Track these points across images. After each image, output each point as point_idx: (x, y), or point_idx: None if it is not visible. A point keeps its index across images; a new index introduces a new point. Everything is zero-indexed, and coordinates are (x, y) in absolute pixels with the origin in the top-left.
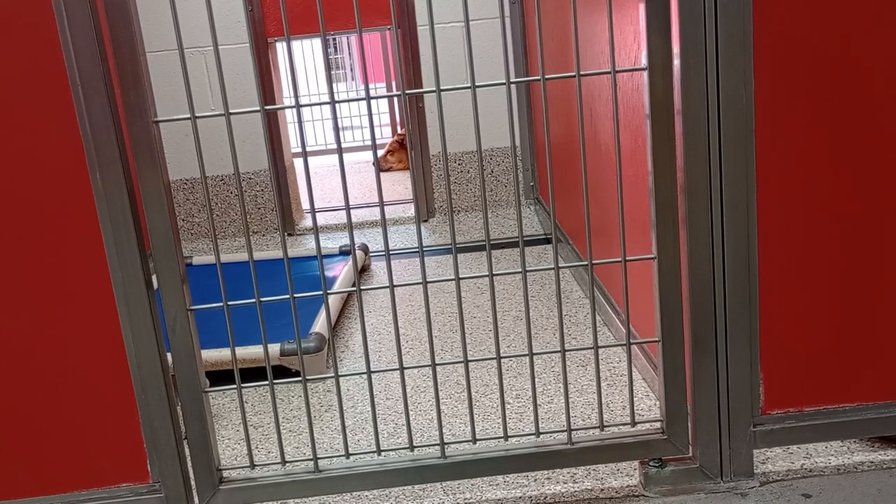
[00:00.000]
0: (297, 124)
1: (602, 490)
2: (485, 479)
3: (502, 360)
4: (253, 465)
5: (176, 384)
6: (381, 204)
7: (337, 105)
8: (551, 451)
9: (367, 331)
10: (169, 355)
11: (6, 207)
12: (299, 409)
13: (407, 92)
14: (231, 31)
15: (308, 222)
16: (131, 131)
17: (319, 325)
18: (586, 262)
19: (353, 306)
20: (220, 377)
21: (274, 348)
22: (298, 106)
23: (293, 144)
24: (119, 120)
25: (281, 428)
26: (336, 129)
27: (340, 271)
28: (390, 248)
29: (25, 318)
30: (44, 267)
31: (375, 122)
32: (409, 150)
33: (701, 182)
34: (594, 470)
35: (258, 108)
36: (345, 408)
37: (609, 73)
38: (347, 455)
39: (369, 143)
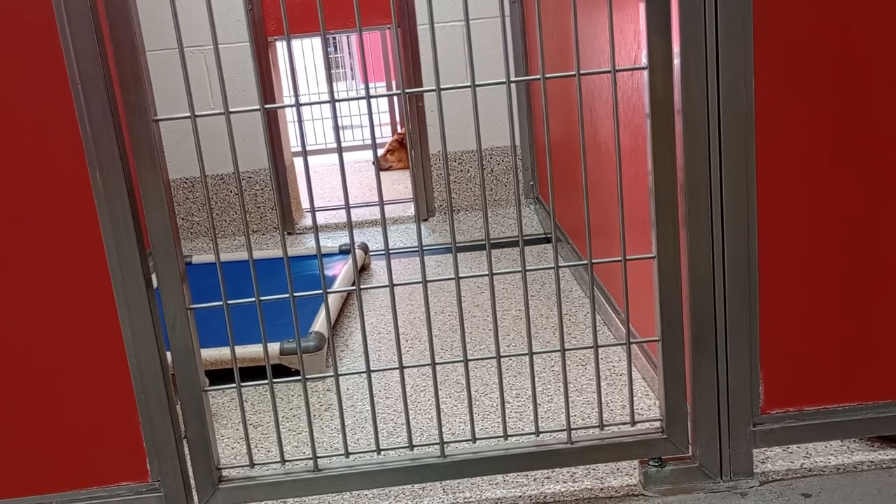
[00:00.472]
0: (296, 123)
1: (602, 489)
2: (484, 478)
3: (502, 360)
4: (252, 464)
5: (175, 383)
6: (381, 203)
7: (337, 104)
8: (551, 451)
9: (366, 330)
10: (168, 354)
11: (6, 207)
12: (299, 408)
13: (407, 91)
14: (231, 29)
15: (308, 221)
16: (131, 130)
17: (319, 324)
18: (586, 262)
19: (353, 305)
20: (220, 376)
21: (273, 347)
22: (298, 105)
23: (293, 143)
24: (119, 119)
25: (280, 427)
26: (336, 128)
27: (340, 270)
28: (390, 247)
29: (25, 316)
30: (44, 266)
31: (375, 122)
32: (408, 149)
33: (701, 181)
34: (594, 469)
35: (258, 107)
36: (344, 407)
37: (609, 72)
38: (347, 454)
39: (369, 142)
